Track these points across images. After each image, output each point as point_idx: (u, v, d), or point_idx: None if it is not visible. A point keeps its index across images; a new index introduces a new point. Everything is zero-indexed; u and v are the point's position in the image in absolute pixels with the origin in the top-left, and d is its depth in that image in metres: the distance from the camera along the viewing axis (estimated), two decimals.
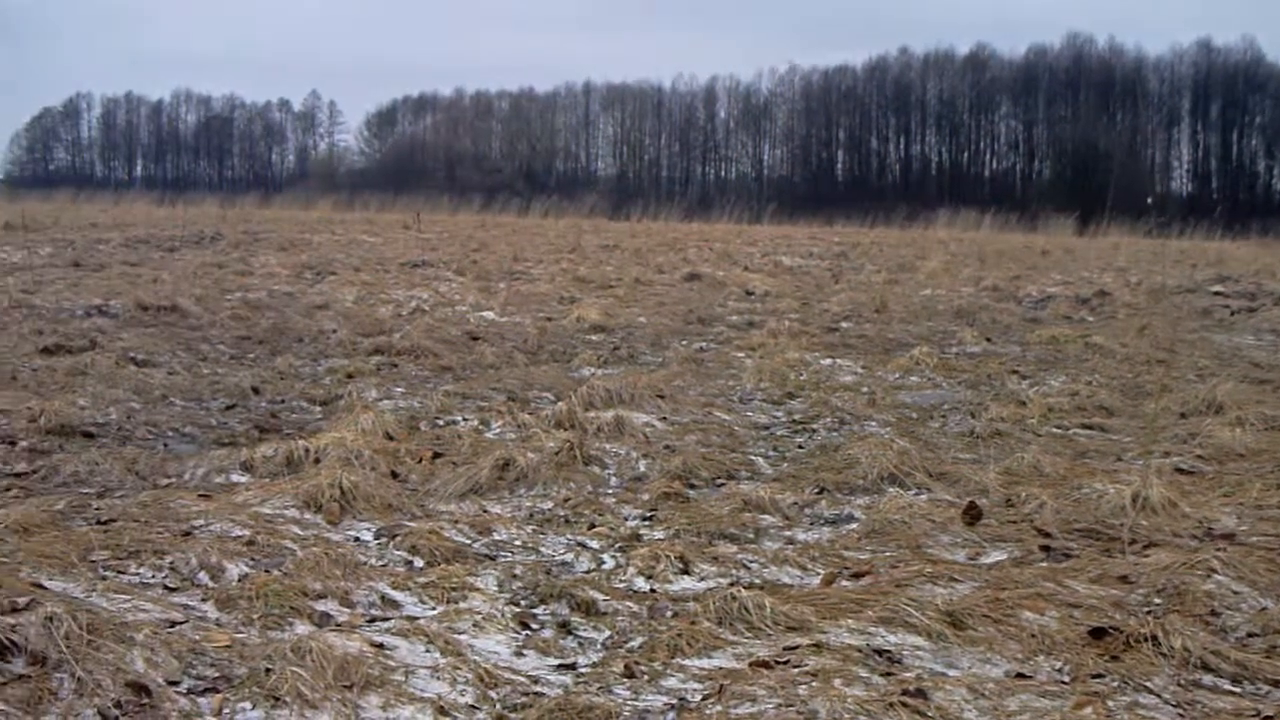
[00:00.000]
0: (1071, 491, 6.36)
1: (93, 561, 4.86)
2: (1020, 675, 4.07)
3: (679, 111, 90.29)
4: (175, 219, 30.41)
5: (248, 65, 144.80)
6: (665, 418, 8.40)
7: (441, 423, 8.26)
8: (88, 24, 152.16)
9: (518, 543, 5.66)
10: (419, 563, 5.26)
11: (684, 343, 12.80)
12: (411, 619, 4.52)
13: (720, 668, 4.14)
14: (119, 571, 4.81)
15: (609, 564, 5.40)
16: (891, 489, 6.56)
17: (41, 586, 4.41)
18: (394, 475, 6.68)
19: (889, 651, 4.26)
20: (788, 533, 5.92)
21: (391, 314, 14.44)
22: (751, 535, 5.83)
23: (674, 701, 3.88)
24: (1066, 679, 4.04)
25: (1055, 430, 8.33)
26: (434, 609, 4.68)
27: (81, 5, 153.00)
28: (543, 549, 5.61)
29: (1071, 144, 75.20)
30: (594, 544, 5.69)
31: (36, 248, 21.81)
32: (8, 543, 4.95)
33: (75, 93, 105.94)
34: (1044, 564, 5.27)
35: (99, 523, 5.41)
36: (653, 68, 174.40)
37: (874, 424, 8.44)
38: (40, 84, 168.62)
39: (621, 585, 5.08)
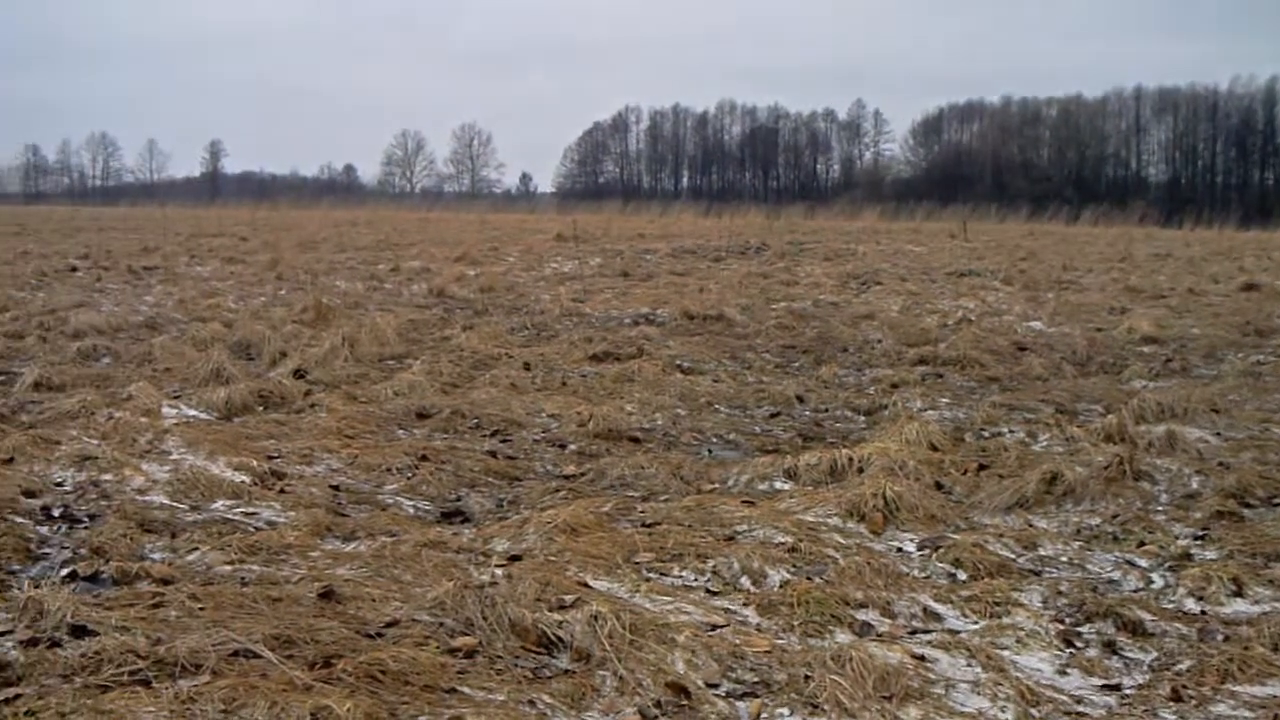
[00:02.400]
0: None
1: (636, 563, 4.98)
2: None
3: (1235, 115, 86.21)
4: (720, 229, 31.19)
5: (792, 75, 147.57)
6: (1219, 433, 7.99)
7: (987, 434, 8.10)
8: (635, 45, 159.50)
9: (1063, 558, 5.47)
10: (961, 575, 5.15)
11: (1240, 355, 12.17)
12: (953, 632, 4.43)
13: (1274, 696, 3.92)
14: (662, 573, 4.91)
15: (1158, 583, 5.18)
16: None
17: (587, 586, 4.55)
18: (938, 486, 6.58)
19: None
20: None
21: (937, 324, 14.32)
22: None
23: None
24: None
25: None
26: (976, 623, 4.57)
27: (628, 28, 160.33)
28: (1089, 566, 5.40)
29: None
30: (1142, 562, 5.45)
31: (586, 258, 22.86)
32: (556, 542, 5.14)
33: (624, 106, 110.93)
34: None
35: (644, 525, 5.55)
36: (1207, 70, 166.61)
37: None
38: (590, 100, 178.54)
39: (1170, 605, 4.87)
